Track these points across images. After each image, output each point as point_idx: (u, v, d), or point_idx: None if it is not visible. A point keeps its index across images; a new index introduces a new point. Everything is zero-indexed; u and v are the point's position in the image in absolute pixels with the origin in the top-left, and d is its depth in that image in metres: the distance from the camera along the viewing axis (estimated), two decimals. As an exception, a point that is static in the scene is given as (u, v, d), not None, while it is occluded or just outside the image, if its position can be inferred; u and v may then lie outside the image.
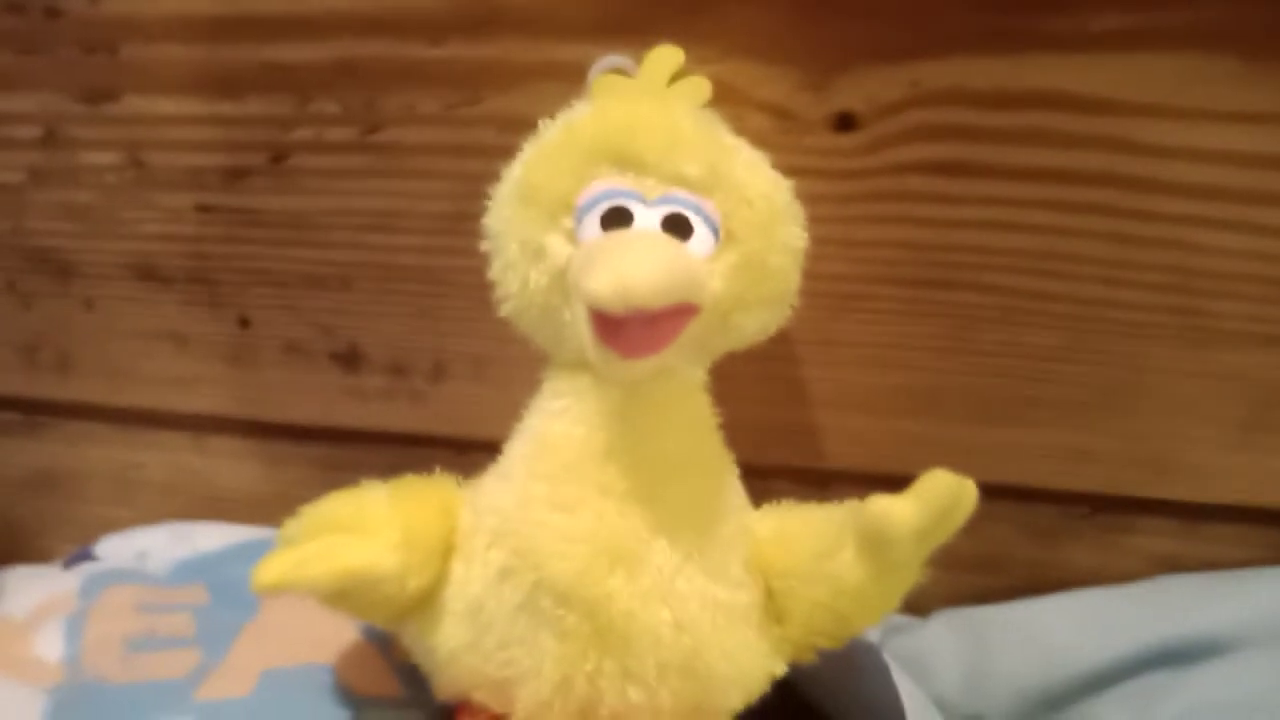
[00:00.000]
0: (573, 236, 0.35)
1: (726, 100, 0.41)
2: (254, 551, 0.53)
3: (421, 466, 0.41)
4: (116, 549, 0.57)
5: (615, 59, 0.40)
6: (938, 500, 0.33)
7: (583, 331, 0.33)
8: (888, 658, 0.42)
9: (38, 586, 0.52)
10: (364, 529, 0.36)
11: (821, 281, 0.43)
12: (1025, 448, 0.47)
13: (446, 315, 0.51)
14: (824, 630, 0.37)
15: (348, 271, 0.51)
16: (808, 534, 0.37)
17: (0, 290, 0.56)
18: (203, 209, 0.51)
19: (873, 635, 0.48)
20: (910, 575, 0.36)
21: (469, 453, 0.52)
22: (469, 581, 0.37)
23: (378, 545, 0.36)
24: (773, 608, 0.38)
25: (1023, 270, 0.44)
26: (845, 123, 0.43)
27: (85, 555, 0.57)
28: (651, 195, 0.35)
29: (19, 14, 0.49)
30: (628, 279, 0.30)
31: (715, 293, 0.35)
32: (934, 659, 0.48)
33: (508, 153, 0.38)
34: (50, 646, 0.47)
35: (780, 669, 0.38)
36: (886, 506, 0.33)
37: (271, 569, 0.34)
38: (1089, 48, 0.40)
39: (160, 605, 0.49)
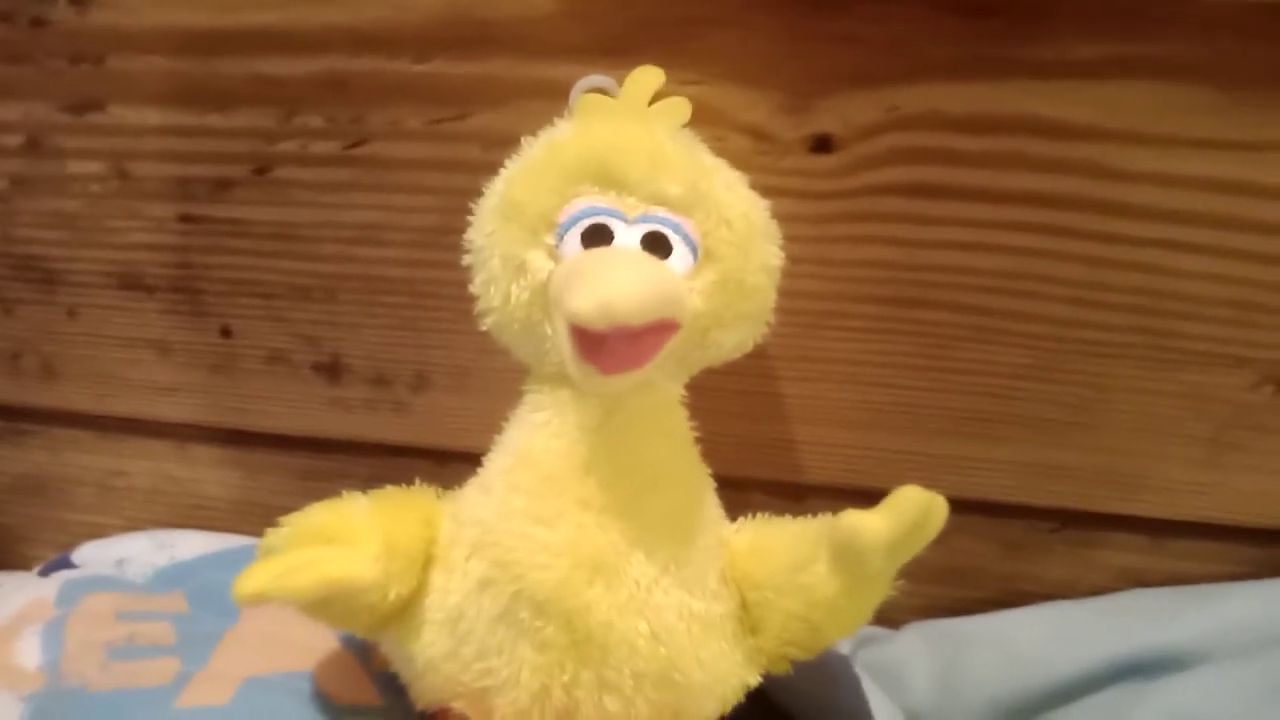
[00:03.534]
0: (554, 253, 0.35)
1: (707, 121, 0.42)
2: (234, 559, 0.54)
3: (402, 477, 0.41)
4: (95, 556, 0.57)
5: (597, 79, 0.40)
6: (909, 515, 0.33)
7: (564, 347, 0.33)
8: (859, 668, 0.43)
9: (14, 594, 0.52)
10: (345, 539, 0.37)
11: (798, 299, 0.44)
12: (996, 463, 0.48)
13: (429, 327, 0.51)
14: (798, 641, 0.38)
15: (331, 283, 0.51)
16: (782, 547, 0.38)
17: (-17, 297, 0.56)
18: (187, 219, 0.51)
19: (844, 646, 0.48)
20: (882, 588, 0.36)
21: (449, 463, 0.53)
22: (449, 591, 0.37)
23: (359, 556, 0.36)
24: (748, 619, 0.38)
25: (996, 290, 0.45)
26: (823, 145, 0.43)
27: (63, 563, 0.57)
28: (632, 214, 0.36)
29: (5, 23, 0.49)
30: (609, 296, 0.31)
31: (695, 310, 0.35)
32: (905, 670, 0.48)
33: (492, 169, 0.38)
34: (28, 653, 0.47)
35: (754, 679, 0.39)
36: (859, 521, 0.33)
37: (253, 580, 0.34)
38: (1067, 75, 0.41)
39: (140, 613, 0.49)
